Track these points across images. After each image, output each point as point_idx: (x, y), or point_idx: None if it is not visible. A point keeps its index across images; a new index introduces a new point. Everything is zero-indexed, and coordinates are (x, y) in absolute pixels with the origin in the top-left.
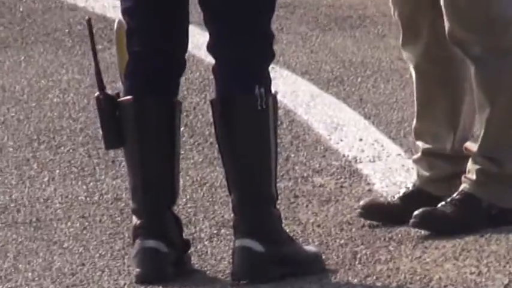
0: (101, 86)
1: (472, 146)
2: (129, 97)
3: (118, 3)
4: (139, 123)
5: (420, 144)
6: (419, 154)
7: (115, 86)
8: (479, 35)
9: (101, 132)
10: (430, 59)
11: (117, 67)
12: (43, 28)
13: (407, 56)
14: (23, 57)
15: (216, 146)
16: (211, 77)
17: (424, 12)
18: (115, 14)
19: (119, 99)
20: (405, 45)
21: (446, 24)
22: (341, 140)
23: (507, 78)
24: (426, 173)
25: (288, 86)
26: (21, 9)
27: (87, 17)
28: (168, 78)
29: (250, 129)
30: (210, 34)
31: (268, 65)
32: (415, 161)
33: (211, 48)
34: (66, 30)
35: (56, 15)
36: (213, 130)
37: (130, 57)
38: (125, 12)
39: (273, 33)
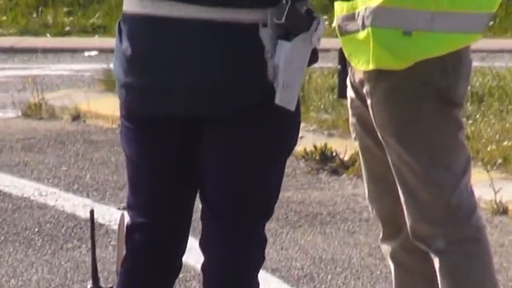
0: (95, 280)
1: None
2: None
3: (88, 202)
4: None
5: None
6: None
7: (84, 284)
8: (443, 228)
9: None
10: (409, 251)
11: (116, 261)
12: (13, 227)
13: (386, 249)
14: None
15: None
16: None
17: (402, 206)
18: (85, 212)
19: None
20: (385, 240)
21: (408, 221)
22: None
23: (472, 267)
24: None
25: None
26: None
27: (90, 209)
28: (162, 280)
29: None
30: (203, 229)
31: (259, 269)
32: None
33: (203, 245)
34: (36, 229)
35: (26, 214)
36: None
37: (128, 253)
38: (129, 207)
39: (266, 237)
